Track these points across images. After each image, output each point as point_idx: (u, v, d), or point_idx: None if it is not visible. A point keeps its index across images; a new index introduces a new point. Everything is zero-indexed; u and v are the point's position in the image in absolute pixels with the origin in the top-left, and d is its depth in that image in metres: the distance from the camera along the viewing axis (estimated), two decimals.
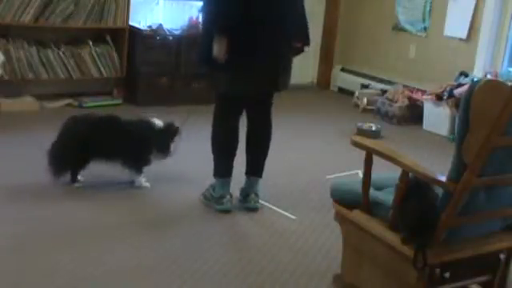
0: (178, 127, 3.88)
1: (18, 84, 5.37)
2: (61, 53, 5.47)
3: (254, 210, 3.63)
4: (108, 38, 5.71)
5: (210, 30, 3.37)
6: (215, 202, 3.59)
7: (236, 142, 3.60)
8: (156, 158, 3.85)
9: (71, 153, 3.71)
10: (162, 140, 3.83)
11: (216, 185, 3.61)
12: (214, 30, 3.33)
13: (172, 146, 3.84)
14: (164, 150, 3.83)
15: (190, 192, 3.79)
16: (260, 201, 3.71)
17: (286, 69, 3.57)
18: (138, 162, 3.82)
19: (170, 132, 3.86)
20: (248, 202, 3.65)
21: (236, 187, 3.68)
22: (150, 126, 3.85)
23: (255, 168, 3.68)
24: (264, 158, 3.69)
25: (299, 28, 3.53)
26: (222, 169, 3.60)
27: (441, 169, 2.61)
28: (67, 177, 3.75)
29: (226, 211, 3.57)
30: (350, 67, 7.04)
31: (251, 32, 3.32)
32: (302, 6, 3.53)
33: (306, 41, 3.60)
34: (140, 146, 3.81)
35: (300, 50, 3.61)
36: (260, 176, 3.69)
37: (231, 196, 3.62)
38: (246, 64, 3.38)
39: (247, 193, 3.67)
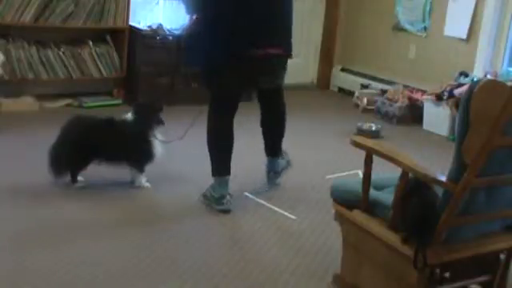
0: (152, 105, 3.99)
1: (18, 84, 5.37)
2: (61, 53, 5.47)
3: (273, 185, 3.97)
4: (108, 37, 5.72)
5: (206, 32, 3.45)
6: (215, 202, 3.59)
7: (232, 140, 3.63)
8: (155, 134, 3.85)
9: (71, 154, 3.71)
10: (148, 121, 3.85)
11: (215, 184, 3.61)
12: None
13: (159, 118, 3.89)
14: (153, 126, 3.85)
15: (190, 192, 3.79)
16: (260, 201, 3.74)
17: (282, 68, 3.72)
18: (140, 159, 3.83)
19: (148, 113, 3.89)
20: (268, 178, 3.98)
21: (236, 187, 3.68)
22: (128, 122, 3.84)
23: (273, 150, 3.94)
24: (281, 139, 3.93)
25: (283, 34, 3.60)
26: (221, 167, 3.62)
27: (441, 169, 2.61)
28: (67, 177, 3.75)
29: (226, 211, 3.57)
30: (350, 67, 7.04)
31: (245, 32, 3.40)
32: (292, 11, 3.62)
33: (287, 48, 3.65)
34: (138, 143, 3.80)
35: (282, 56, 3.66)
36: (278, 156, 3.95)
37: (231, 196, 3.62)
38: (240, 64, 3.45)
39: (268, 170, 3.99)
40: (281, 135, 3.94)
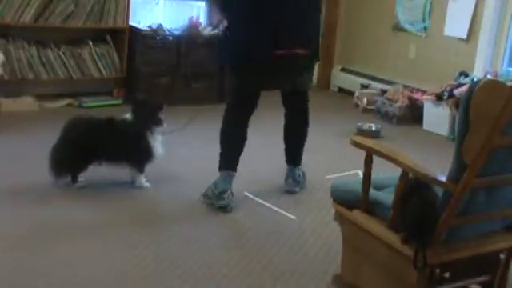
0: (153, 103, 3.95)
1: (18, 84, 5.37)
2: (61, 53, 5.47)
3: (290, 192, 3.91)
4: (108, 37, 5.72)
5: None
6: (216, 197, 3.59)
7: (245, 138, 3.69)
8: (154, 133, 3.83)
9: (72, 155, 3.71)
10: (147, 120, 3.83)
11: (219, 179, 3.63)
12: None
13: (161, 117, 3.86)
14: (153, 125, 3.83)
15: (190, 192, 3.79)
16: (260, 201, 3.74)
17: (305, 70, 3.76)
18: (140, 159, 3.83)
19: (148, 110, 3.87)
20: (287, 185, 3.94)
21: (238, 187, 3.69)
22: (127, 122, 3.84)
23: (292, 157, 3.96)
24: (301, 147, 3.95)
25: (307, 36, 3.67)
26: (228, 162, 3.65)
27: (441, 169, 2.61)
28: (68, 177, 3.75)
29: (227, 207, 3.57)
30: (350, 67, 7.04)
31: (268, 31, 3.43)
32: (318, 13, 3.75)
33: (312, 50, 3.68)
34: (138, 143, 3.80)
35: (305, 57, 3.66)
36: (296, 165, 3.96)
37: (232, 194, 3.62)
38: (262, 64, 3.48)
39: (287, 177, 3.96)
40: (301, 142, 3.94)
